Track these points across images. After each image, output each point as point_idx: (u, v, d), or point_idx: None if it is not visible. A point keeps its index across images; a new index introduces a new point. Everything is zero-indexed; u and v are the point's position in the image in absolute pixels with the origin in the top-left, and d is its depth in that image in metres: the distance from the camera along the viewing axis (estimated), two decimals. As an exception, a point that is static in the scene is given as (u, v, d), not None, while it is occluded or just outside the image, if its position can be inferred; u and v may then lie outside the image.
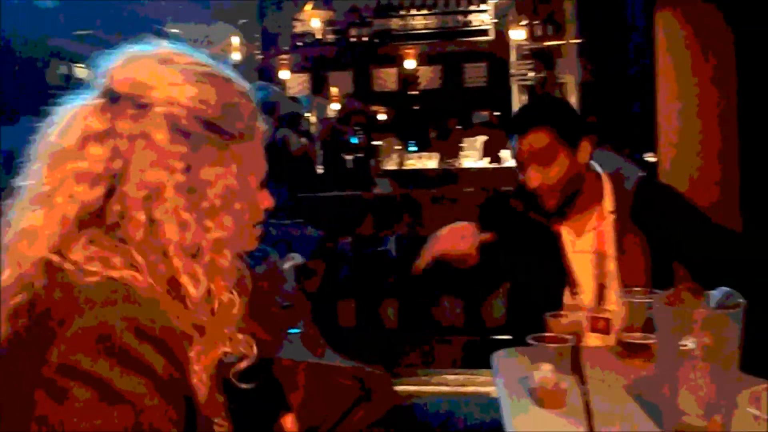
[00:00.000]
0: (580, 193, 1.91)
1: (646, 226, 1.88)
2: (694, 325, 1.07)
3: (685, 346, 1.07)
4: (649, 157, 3.62)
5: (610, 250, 1.89)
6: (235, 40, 5.66)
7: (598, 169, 1.97)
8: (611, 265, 1.88)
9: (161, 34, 1.02)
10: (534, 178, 1.86)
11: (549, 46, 5.46)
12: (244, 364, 1.00)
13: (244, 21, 5.72)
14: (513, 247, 1.95)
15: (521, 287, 1.98)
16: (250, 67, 5.66)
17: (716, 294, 1.16)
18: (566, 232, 1.94)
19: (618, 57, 4.59)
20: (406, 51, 6.43)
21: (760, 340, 1.16)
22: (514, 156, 1.93)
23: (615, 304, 1.83)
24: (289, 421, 1.46)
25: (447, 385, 2.80)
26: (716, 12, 2.97)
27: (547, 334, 1.37)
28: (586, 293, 1.88)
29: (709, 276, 1.80)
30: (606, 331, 1.82)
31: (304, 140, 5.43)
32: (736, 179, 3.00)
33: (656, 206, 1.90)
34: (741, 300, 1.11)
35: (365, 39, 6.26)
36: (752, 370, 1.17)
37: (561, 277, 1.90)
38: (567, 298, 1.88)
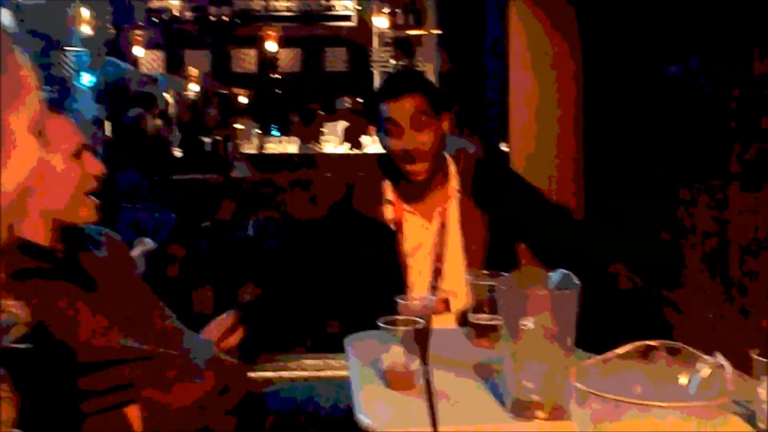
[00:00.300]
0: (438, 172, 1.96)
1: (485, 204, 1.96)
2: (533, 306, 1.13)
3: (526, 326, 1.12)
4: (503, 147, 3.76)
5: (455, 228, 1.95)
6: (85, 13, 5.32)
7: (445, 151, 2.04)
8: (455, 244, 1.94)
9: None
10: (411, 140, 1.89)
11: (410, 34, 5.55)
12: (18, 331, 0.94)
13: (94, -8, 5.38)
14: (353, 243, 1.98)
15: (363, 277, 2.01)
16: (99, 42, 5.34)
17: (554, 276, 1.22)
18: (414, 218, 1.98)
19: (475, 47, 4.74)
20: (267, 33, 6.31)
21: (593, 318, 1.23)
22: (386, 121, 1.93)
23: (457, 282, 1.89)
24: (134, 411, 1.40)
25: (305, 369, 2.77)
26: (567, 4, 3.11)
27: (397, 317, 1.39)
28: (427, 271, 1.94)
29: (550, 255, 1.90)
30: (446, 310, 1.88)
31: (159, 121, 5.22)
32: (581, 170, 3.18)
33: (493, 184, 1.98)
34: (577, 281, 1.17)
35: (225, 18, 6.09)
36: (587, 347, 1.25)
37: (398, 269, 1.94)
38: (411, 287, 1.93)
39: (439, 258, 1.94)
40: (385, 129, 1.93)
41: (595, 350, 1.25)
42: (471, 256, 1.92)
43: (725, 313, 2.14)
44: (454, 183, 1.99)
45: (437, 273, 1.93)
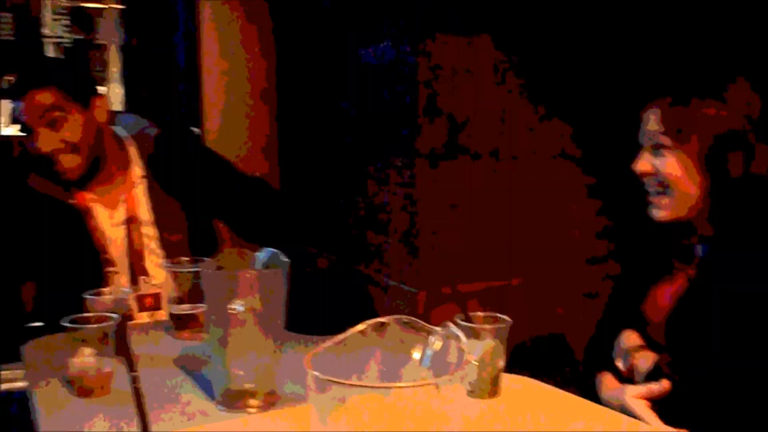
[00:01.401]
0: (105, 160, 1.80)
1: (176, 186, 1.84)
2: (241, 288, 1.05)
3: (234, 309, 1.04)
4: (194, 129, 3.61)
5: (146, 216, 1.82)
6: None
7: (122, 133, 1.89)
8: (149, 235, 1.81)
9: None
10: (44, 141, 1.70)
11: (87, 6, 5.13)
12: None
13: None
14: (34, 234, 1.74)
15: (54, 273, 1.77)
16: None
17: (261, 255, 1.16)
18: (100, 208, 1.80)
19: (163, 25, 4.49)
20: None
21: (299, 299, 1.19)
22: (22, 121, 1.73)
23: (159, 274, 1.77)
24: None
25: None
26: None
27: (87, 315, 1.21)
28: (125, 269, 1.78)
29: (252, 233, 1.84)
30: (157, 306, 1.75)
31: None
32: (275, 149, 3.18)
33: (182, 163, 1.87)
34: (285, 260, 1.12)
35: None
36: (296, 329, 1.21)
37: (95, 258, 1.76)
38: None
39: (135, 252, 1.78)
40: (21, 130, 1.73)
41: (306, 331, 1.22)
42: (172, 245, 1.79)
43: (418, 285, 2.27)
44: (136, 169, 1.84)
45: (137, 268, 1.78)
